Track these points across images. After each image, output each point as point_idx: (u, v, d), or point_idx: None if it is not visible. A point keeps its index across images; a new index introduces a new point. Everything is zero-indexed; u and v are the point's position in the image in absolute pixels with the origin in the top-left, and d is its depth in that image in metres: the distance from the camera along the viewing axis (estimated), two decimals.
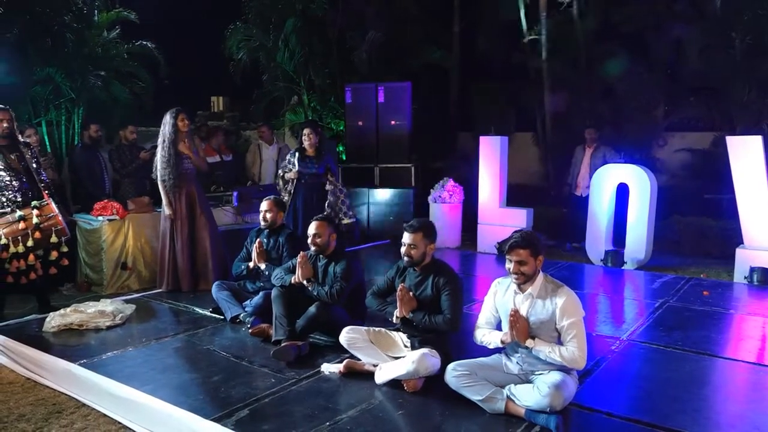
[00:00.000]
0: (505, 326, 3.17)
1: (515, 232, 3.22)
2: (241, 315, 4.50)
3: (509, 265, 3.09)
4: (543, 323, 3.05)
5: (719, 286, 5.94)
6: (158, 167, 5.39)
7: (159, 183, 5.42)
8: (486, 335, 3.27)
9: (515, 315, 3.05)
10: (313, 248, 4.09)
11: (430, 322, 3.41)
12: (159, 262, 5.65)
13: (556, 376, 2.98)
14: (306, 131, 6.31)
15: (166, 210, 5.45)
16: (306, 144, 6.31)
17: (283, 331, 3.93)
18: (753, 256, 6.07)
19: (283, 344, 3.81)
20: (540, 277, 3.13)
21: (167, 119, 5.38)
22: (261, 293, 4.50)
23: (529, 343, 3.03)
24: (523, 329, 3.04)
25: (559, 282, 3.14)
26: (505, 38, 10.92)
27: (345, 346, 3.63)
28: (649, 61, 9.73)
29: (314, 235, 4.05)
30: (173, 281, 5.54)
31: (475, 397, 3.06)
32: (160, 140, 5.40)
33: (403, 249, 3.53)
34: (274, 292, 4.10)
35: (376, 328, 3.73)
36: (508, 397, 3.02)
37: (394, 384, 3.33)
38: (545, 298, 3.06)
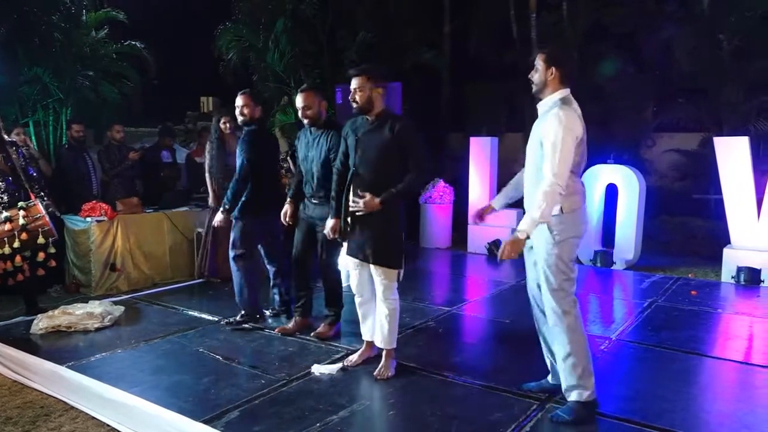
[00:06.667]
0: None
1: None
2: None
3: None
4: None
5: (707, 286, 6.00)
6: (206, 161, 5.96)
7: (207, 174, 5.92)
8: None
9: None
10: (305, 120, 3.98)
11: (403, 188, 3.33)
12: (199, 251, 6.10)
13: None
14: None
15: (210, 200, 5.96)
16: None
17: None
18: (740, 255, 6.14)
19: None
20: None
21: (213, 122, 5.98)
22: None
23: (520, 235, 2.81)
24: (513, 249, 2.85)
25: None
26: (495, 38, 10.96)
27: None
28: (638, 62, 9.80)
29: (304, 108, 3.93)
30: (210, 269, 5.96)
31: None
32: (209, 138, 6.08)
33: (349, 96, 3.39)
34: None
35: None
36: None
37: (386, 384, 3.38)
38: None
